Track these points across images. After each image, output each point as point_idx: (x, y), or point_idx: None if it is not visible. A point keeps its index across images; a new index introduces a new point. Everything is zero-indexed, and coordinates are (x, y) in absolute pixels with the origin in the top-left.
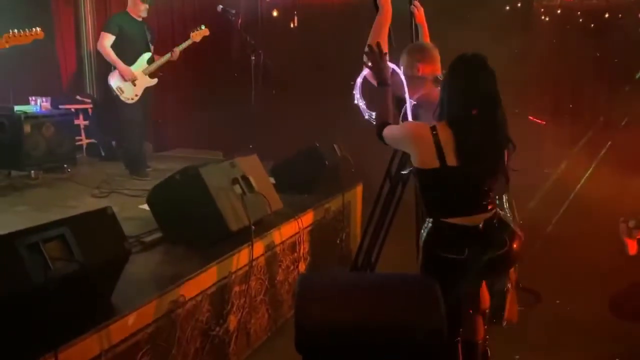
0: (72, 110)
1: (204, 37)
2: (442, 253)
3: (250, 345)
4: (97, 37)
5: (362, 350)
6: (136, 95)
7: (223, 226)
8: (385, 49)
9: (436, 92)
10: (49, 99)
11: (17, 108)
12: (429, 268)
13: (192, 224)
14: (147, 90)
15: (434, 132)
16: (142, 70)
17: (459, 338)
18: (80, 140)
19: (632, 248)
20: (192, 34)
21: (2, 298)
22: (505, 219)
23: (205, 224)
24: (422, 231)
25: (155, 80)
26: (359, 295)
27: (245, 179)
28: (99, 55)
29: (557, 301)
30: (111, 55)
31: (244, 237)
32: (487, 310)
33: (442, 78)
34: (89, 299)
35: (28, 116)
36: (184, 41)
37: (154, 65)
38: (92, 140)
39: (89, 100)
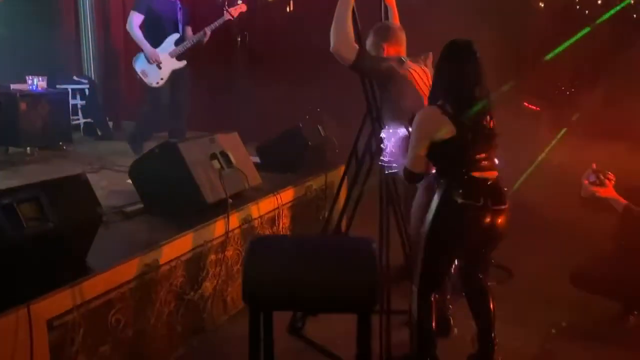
0: (69, 89)
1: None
2: (461, 200)
3: (227, 312)
4: (95, 18)
5: (302, 302)
6: (162, 79)
7: (199, 198)
8: (351, 28)
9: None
10: (45, 78)
11: (13, 86)
12: (445, 218)
13: (171, 196)
14: (177, 73)
15: (443, 110)
16: (169, 52)
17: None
18: (77, 119)
19: (601, 192)
20: (226, 11)
21: None
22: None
23: (182, 196)
24: (438, 188)
25: (183, 63)
26: (302, 253)
27: (224, 154)
28: (97, 36)
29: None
30: (137, 35)
31: (221, 209)
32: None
33: (406, 60)
34: (63, 258)
35: (24, 94)
36: (217, 19)
37: (182, 47)
38: (89, 120)
39: (86, 81)
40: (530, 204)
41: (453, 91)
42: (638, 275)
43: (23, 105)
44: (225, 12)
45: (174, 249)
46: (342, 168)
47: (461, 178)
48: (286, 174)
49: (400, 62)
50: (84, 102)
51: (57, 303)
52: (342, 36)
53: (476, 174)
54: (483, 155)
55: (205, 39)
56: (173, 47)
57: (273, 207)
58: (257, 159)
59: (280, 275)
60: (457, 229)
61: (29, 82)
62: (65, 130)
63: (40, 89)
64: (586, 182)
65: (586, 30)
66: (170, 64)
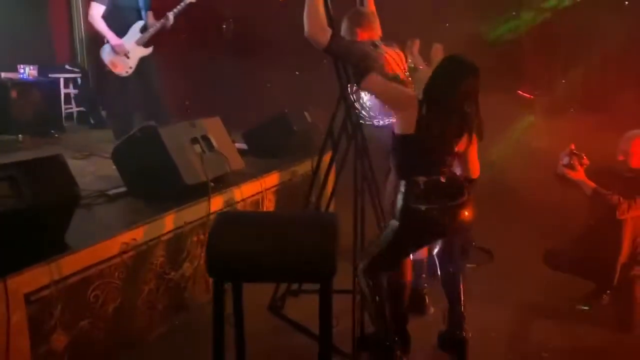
0: (61, 78)
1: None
2: (414, 205)
3: (210, 292)
4: (87, 8)
5: (264, 272)
6: (130, 68)
7: (179, 180)
8: (323, 13)
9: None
10: (36, 67)
11: (4, 75)
12: (405, 223)
13: (151, 178)
14: (144, 60)
15: (420, 106)
16: (135, 40)
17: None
18: (71, 108)
19: (572, 174)
20: None
21: None
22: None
23: (163, 178)
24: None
25: (150, 50)
26: (265, 226)
27: (205, 138)
28: (89, 26)
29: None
30: (100, 26)
31: (202, 192)
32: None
33: (380, 44)
34: (39, 235)
35: (14, 83)
36: (180, 3)
37: (148, 34)
38: (82, 109)
39: (78, 70)
40: (513, 187)
41: (430, 95)
42: (605, 255)
43: (14, 94)
44: None
45: (153, 229)
46: (330, 154)
47: (419, 183)
48: (272, 159)
49: (374, 45)
50: (76, 91)
51: (34, 278)
52: (314, 20)
53: (434, 177)
54: (444, 159)
55: (169, 24)
56: (139, 34)
57: (257, 191)
58: (243, 146)
59: (242, 246)
60: (418, 233)
61: (20, 70)
62: (57, 118)
63: (31, 77)
64: (560, 162)
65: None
66: (138, 52)
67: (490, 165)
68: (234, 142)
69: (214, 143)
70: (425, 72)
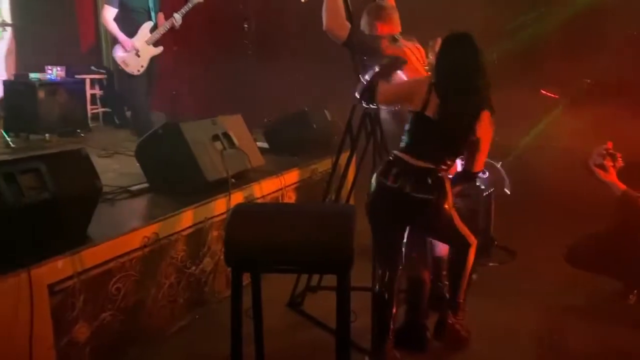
0: (86, 79)
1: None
2: (381, 178)
3: (230, 287)
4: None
5: (280, 263)
6: (142, 67)
7: (200, 176)
8: (342, 7)
9: (392, 49)
10: (64, 68)
11: (32, 75)
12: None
13: (173, 174)
14: (154, 60)
15: (430, 86)
16: (145, 40)
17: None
18: (97, 108)
19: (602, 175)
20: None
21: None
22: (442, 179)
23: (184, 174)
24: None
25: (160, 49)
26: (282, 217)
27: (226, 135)
28: None
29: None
30: (112, 27)
31: (222, 188)
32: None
33: (399, 38)
34: (63, 227)
35: (42, 83)
36: (186, 4)
37: (157, 34)
38: (107, 109)
39: (104, 71)
40: (538, 186)
41: (442, 83)
42: (635, 256)
43: (41, 94)
44: None
45: (174, 223)
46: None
47: (394, 160)
48: (292, 157)
49: (393, 40)
50: (102, 92)
51: (57, 269)
52: (333, 15)
53: (403, 156)
54: (429, 145)
55: (177, 25)
56: (148, 34)
57: (277, 188)
58: (265, 144)
59: (259, 236)
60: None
61: (48, 71)
62: (83, 118)
63: (58, 78)
64: (592, 159)
65: None
66: (149, 52)
67: (516, 164)
68: (255, 140)
69: (235, 140)
70: None
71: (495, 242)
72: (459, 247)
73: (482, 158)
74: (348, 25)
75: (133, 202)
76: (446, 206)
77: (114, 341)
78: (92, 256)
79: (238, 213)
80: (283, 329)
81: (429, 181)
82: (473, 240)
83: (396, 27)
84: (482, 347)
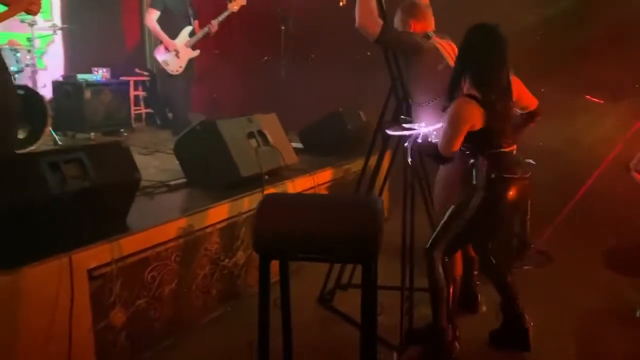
0: (131, 81)
1: (242, 7)
2: (497, 174)
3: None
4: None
5: (307, 251)
6: (180, 67)
7: (235, 171)
8: (374, 3)
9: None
10: (109, 69)
11: (79, 76)
12: (490, 193)
13: (209, 169)
14: (191, 62)
15: (477, 101)
16: (184, 43)
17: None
18: (140, 109)
19: None
20: (229, 4)
21: (26, 203)
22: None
23: (219, 169)
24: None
25: (197, 52)
26: (309, 207)
27: (261, 133)
28: None
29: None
30: (156, 30)
31: (256, 184)
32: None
33: (432, 35)
34: (103, 215)
35: (88, 84)
36: (222, 13)
37: (195, 38)
38: (150, 110)
39: (147, 73)
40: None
41: (483, 79)
42: None
43: (87, 94)
44: (228, 6)
45: (209, 216)
46: (388, 153)
47: (497, 154)
48: (327, 157)
49: (427, 37)
50: (145, 93)
51: (97, 255)
52: (365, 11)
53: (507, 149)
54: (509, 128)
55: (213, 31)
56: (187, 38)
57: (309, 186)
58: (299, 145)
59: (287, 224)
60: (506, 201)
61: (95, 73)
62: (126, 117)
63: (103, 79)
64: (632, 166)
65: None
66: (187, 54)
67: (555, 166)
68: (290, 140)
69: (269, 138)
70: None
71: (532, 246)
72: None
73: (529, 94)
74: (380, 22)
75: (171, 195)
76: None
77: (148, 328)
78: (129, 244)
79: (268, 201)
80: (311, 323)
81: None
82: None
83: (429, 24)
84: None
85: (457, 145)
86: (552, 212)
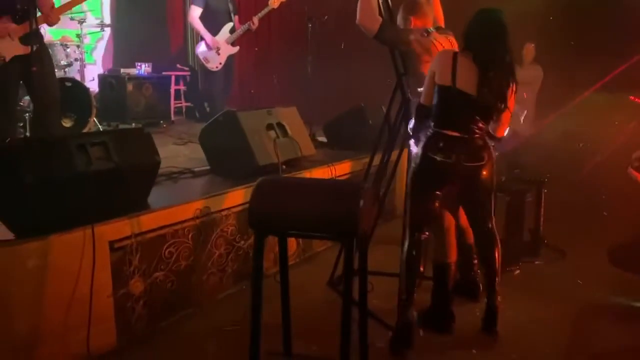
0: (172, 76)
1: (282, 3)
2: (434, 156)
3: (277, 266)
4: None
5: (294, 227)
6: (220, 64)
7: (252, 160)
8: (375, 1)
9: (420, 42)
10: (150, 64)
11: (122, 70)
12: (422, 170)
13: (229, 158)
14: (230, 58)
15: (455, 57)
16: (225, 39)
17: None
18: (181, 103)
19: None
20: (270, 1)
21: (55, 178)
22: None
23: (238, 158)
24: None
25: (237, 48)
26: (299, 188)
27: (280, 125)
28: None
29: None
30: (198, 26)
31: (274, 173)
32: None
33: (432, 31)
34: (125, 193)
35: (131, 77)
36: (262, 9)
37: (235, 35)
38: (190, 104)
39: (187, 69)
40: (594, 186)
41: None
42: None
43: (130, 87)
44: (269, 2)
45: (226, 200)
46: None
47: (438, 134)
48: (349, 151)
49: (426, 33)
50: (185, 88)
51: (118, 229)
52: (365, 9)
53: (449, 132)
54: (464, 117)
55: (254, 27)
56: (228, 34)
57: (326, 177)
58: (324, 138)
59: (277, 204)
60: (433, 171)
61: (138, 67)
62: (165, 110)
63: (145, 73)
64: (630, 165)
65: None
66: (227, 50)
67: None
68: (314, 134)
69: (288, 129)
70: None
71: (545, 241)
72: (486, 224)
73: (505, 124)
74: (379, 19)
75: (194, 181)
76: (492, 168)
77: (166, 298)
78: (148, 221)
79: (263, 183)
80: (319, 304)
81: (479, 149)
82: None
83: (429, 21)
84: (508, 339)
85: (429, 90)
86: (569, 209)
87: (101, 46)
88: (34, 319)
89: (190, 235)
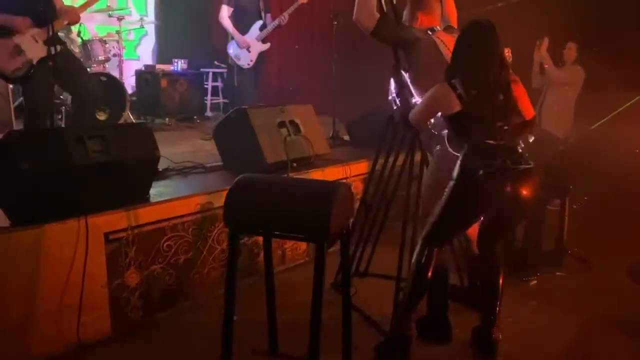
0: (206, 72)
1: None
2: (473, 165)
3: (285, 264)
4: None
5: (267, 227)
6: (251, 61)
7: (261, 157)
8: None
9: (422, 40)
10: (187, 61)
11: (157, 67)
12: (461, 182)
13: (240, 154)
14: (262, 55)
15: (456, 90)
16: (256, 37)
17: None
18: (218, 99)
19: None
20: None
21: (51, 170)
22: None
23: (249, 155)
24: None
25: (267, 45)
26: (277, 189)
27: (293, 123)
28: None
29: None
30: (228, 25)
31: (284, 171)
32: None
33: (437, 29)
34: (123, 186)
35: (165, 73)
36: (291, 5)
37: (265, 32)
38: (226, 100)
39: (224, 66)
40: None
41: (467, 74)
42: None
43: (164, 83)
44: None
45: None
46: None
47: (476, 146)
48: (371, 149)
49: (431, 31)
50: (222, 84)
51: (114, 221)
52: (362, 6)
53: (491, 142)
54: (498, 124)
55: (284, 22)
56: (258, 32)
57: (341, 177)
58: (347, 137)
59: (252, 204)
60: (474, 194)
61: (175, 63)
62: (199, 106)
63: (180, 70)
64: None
65: None
66: (258, 47)
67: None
68: (337, 132)
69: (301, 127)
70: (552, 71)
71: (569, 251)
72: (497, 246)
73: (527, 104)
74: (376, 16)
75: (204, 176)
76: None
77: (163, 291)
78: (146, 214)
79: (239, 182)
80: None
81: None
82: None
83: (436, 18)
84: (511, 350)
85: (423, 120)
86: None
87: (145, 42)
88: (27, 305)
89: (190, 230)
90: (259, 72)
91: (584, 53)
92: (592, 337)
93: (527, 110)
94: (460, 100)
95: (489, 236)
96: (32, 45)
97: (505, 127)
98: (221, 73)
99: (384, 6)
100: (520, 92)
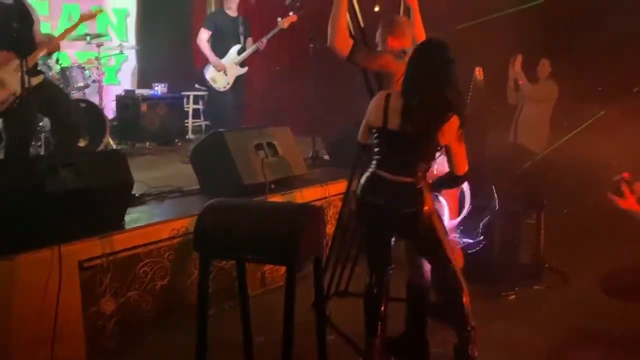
0: (185, 95)
1: (292, 24)
2: (365, 195)
3: (265, 285)
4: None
5: (237, 252)
6: (228, 84)
7: (238, 179)
8: (344, 24)
9: (394, 65)
10: (166, 84)
11: (137, 91)
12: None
13: (217, 177)
14: (238, 78)
15: (387, 99)
16: (233, 61)
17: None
18: (199, 122)
19: (621, 203)
20: (279, 21)
21: (23, 199)
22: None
23: (225, 177)
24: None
25: (245, 69)
26: (247, 213)
27: (270, 145)
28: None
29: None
30: (205, 49)
31: (262, 193)
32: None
33: (408, 52)
34: (97, 213)
35: (145, 98)
36: (271, 30)
37: (243, 56)
38: (207, 123)
39: (204, 88)
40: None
41: (405, 89)
42: None
43: (144, 107)
44: (278, 23)
45: None
46: None
47: (374, 176)
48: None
49: (402, 54)
50: (203, 107)
51: (87, 249)
52: (334, 31)
53: (383, 174)
54: (400, 158)
55: (262, 47)
56: (236, 55)
57: (319, 197)
58: (327, 157)
59: (222, 228)
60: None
61: (155, 87)
62: (180, 129)
63: (160, 93)
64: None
65: None
66: (235, 71)
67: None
68: (317, 152)
69: (279, 149)
70: (527, 87)
71: (547, 265)
72: (442, 270)
73: (459, 161)
74: (350, 42)
75: (181, 200)
76: (429, 215)
77: (140, 318)
78: (121, 240)
79: (210, 207)
80: (298, 326)
81: (411, 194)
82: (456, 265)
83: (407, 41)
84: None
85: (361, 131)
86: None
87: (126, 67)
88: (1, 335)
89: (166, 255)
90: (238, 94)
91: (556, 67)
92: (569, 351)
93: (461, 166)
94: (383, 117)
95: (424, 258)
96: (14, 78)
97: (420, 167)
98: (202, 95)
99: (352, 30)
100: (459, 149)
